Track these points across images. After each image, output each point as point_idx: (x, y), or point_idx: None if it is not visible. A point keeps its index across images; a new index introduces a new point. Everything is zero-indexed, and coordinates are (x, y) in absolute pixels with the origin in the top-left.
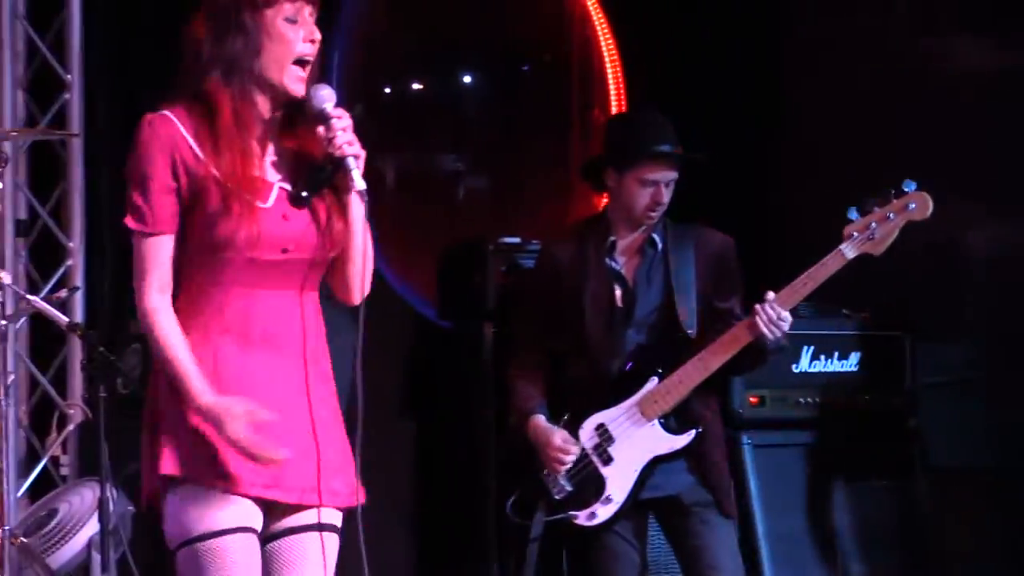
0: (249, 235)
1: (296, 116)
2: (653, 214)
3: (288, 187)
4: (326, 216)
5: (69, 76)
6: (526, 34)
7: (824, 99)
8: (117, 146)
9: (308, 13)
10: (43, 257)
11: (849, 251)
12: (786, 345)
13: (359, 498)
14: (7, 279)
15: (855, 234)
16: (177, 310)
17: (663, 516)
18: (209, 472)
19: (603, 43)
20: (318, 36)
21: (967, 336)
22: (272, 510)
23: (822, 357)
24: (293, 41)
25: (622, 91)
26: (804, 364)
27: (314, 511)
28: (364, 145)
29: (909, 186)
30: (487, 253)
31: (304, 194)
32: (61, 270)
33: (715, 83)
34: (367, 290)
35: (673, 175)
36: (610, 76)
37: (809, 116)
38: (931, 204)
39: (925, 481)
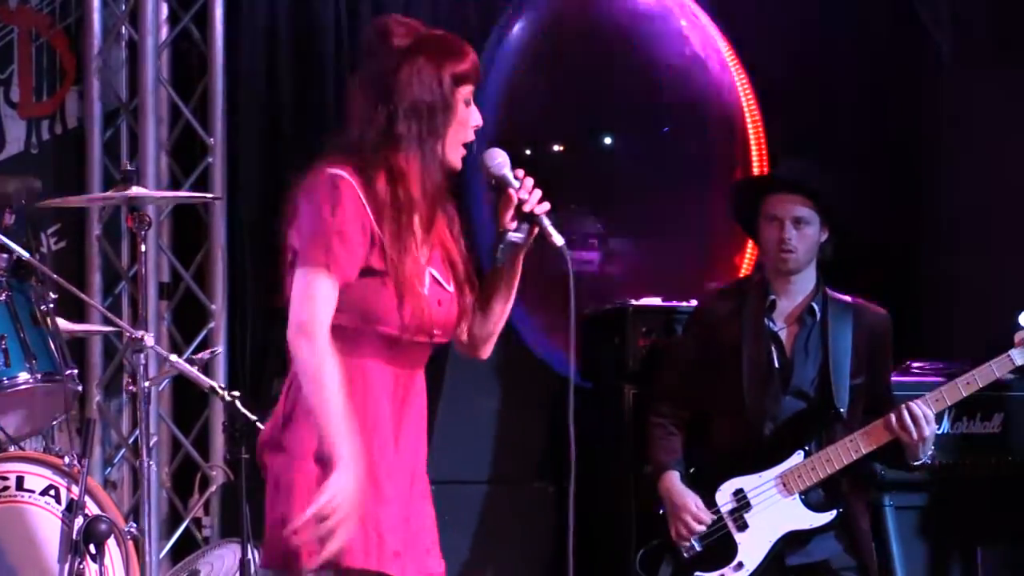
0: (413, 319)
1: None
2: (783, 255)
3: (433, 271)
4: (467, 305)
5: (212, 140)
6: (667, 95)
7: (971, 164)
8: (259, 209)
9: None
10: (185, 319)
11: (1019, 357)
12: (932, 464)
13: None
14: (150, 341)
15: None
16: None
17: None
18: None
19: (744, 101)
20: (480, 122)
21: None
22: None
23: (964, 418)
24: (467, 123)
25: (764, 151)
26: (946, 425)
27: None
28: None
29: None
30: (628, 314)
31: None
32: (203, 332)
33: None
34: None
35: (797, 211)
36: (751, 136)
37: (956, 181)
38: None
39: None
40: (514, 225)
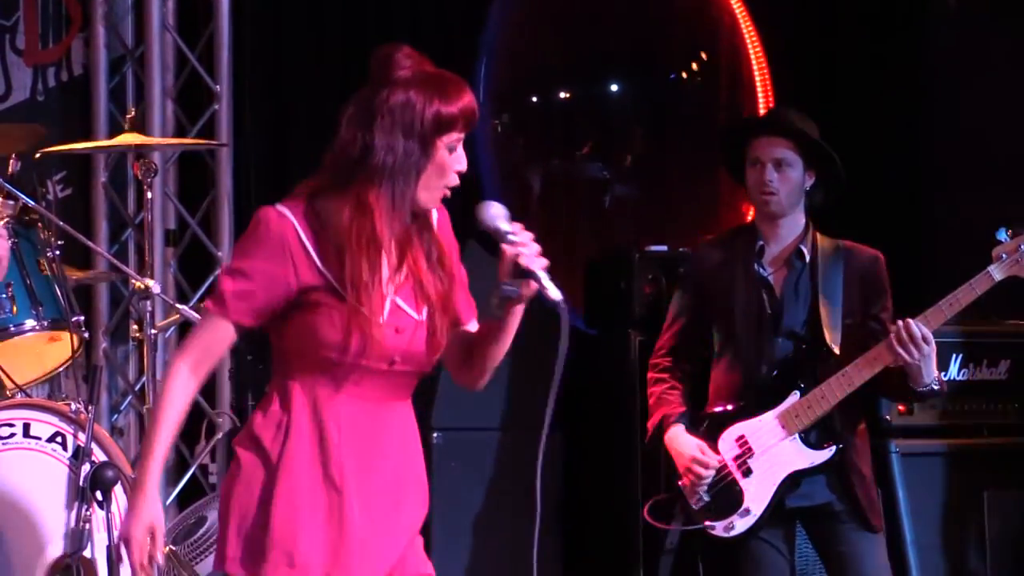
0: (358, 343)
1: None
2: (764, 197)
3: (399, 300)
4: (439, 333)
5: (218, 87)
6: (673, 42)
7: (974, 109)
8: (265, 156)
9: (460, 144)
10: (192, 267)
11: (997, 273)
12: (939, 390)
13: None
14: (156, 289)
15: (1004, 255)
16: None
17: (810, 524)
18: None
19: (751, 49)
20: (464, 167)
21: None
22: None
23: (971, 365)
24: (448, 169)
25: (770, 97)
26: (953, 372)
27: None
28: (512, 154)
29: None
30: (634, 261)
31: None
32: (209, 279)
33: (864, 96)
34: None
35: (779, 153)
36: (758, 82)
37: (958, 126)
38: None
39: None
40: (509, 279)
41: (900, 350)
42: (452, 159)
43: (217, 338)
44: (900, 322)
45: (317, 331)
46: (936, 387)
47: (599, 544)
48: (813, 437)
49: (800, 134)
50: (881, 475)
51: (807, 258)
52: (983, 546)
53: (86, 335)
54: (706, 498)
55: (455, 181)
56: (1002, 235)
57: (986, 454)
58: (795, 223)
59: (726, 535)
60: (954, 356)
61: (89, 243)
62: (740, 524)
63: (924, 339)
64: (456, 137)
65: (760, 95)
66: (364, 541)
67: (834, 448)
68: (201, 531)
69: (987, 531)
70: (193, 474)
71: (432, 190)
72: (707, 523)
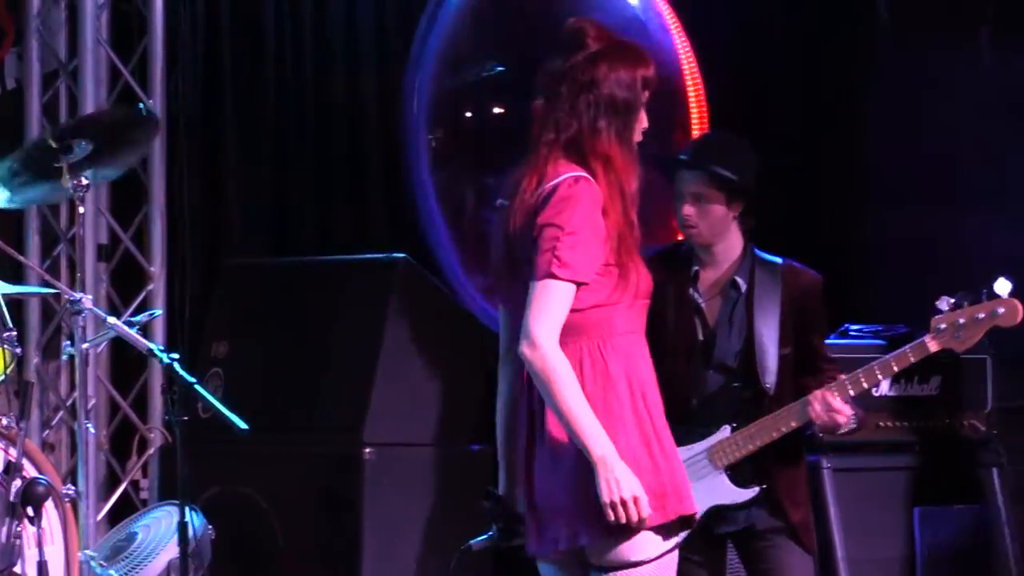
0: (648, 284)
1: None
2: (687, 230)
3: None
4: None
5: (151, 101)
6: None
7: (908, 122)
8: (199, 170)
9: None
10: (124, 281)
11: (932, 344)
12: (858, 428)
13: None
14: (88, 303)
15: (942, 326)
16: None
17: (740, 545)
18: None
19: (685, 63)
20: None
21: None
22: None
23: (903, 380)
24: (640, 127)
25: (704, 112)
26: (884, 387)
27: None
28: (447, 170)
29: (1002, 288)
30: None
31: None
32: (142, 294)
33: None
34: None
35: (696, 188)
36: (692, 97)
37: (893, 144)
38: (1021, 312)
39: (1006, 505)
40: None
41: (815, 419)
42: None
43: (568, 305)
44: (818, 393)
45: (622, 279)
46: (855, 426)
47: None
48: (741, 474)
49: (714, 173)
50: (813, 491)
51: (743, 288)
52: (914, 562)
53: (18, 350)
54: None
55: (640, 137)
56: (943, 304)
57: (917, 470)
58: (730, 247)
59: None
60: None
61: (20, 257)
62: None
63: (838, 410)
64: (647, 96)
65: (694, 110)
66: None
67: (757, 489)
68: (132, 547)
69: (918, 547)
70: (125, 490)
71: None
72: None
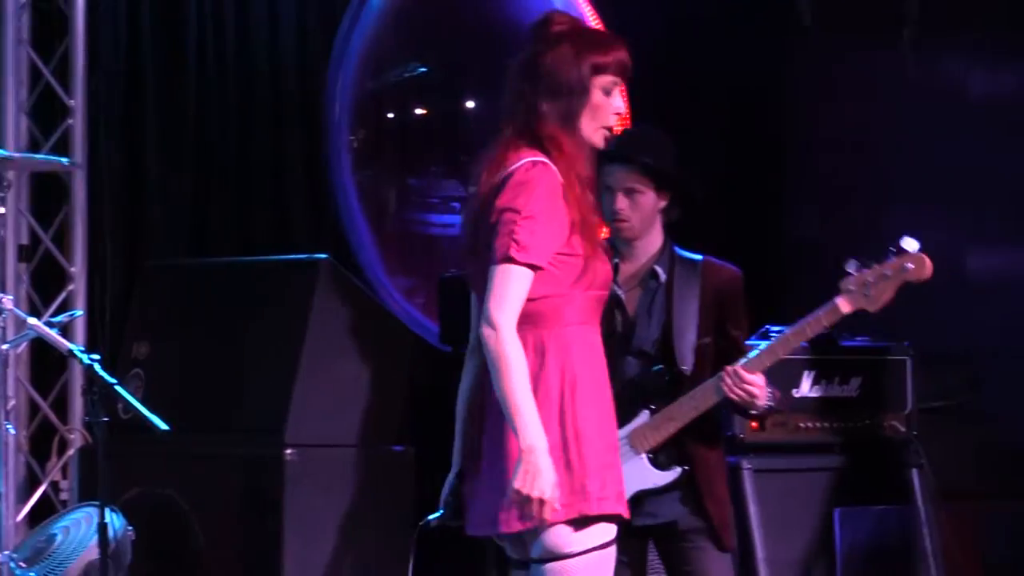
0: (606, 274)
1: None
2: (618, 224)
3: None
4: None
5: (72, 101)
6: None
7: (832, 129)
8: (120, 170)
9: (620, 91)
10: (45, 282)
11: (844, 306)
12: (775, 407)
13: None
14: (9, 304)
15: (851, 288)
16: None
17: (660, 542)
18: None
19: None
20: (624, 111)
21: (967, 359)
22: None
23: (822, 382)
24: (606, 109)
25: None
26: (805, 388)
27: None
28: (369, 170)
29: (909, 244)
30: None
31: None
32: (62, 295)
33: (723, 114)
34: None
35: (628, 182)
36: None
37: (817, 145)
38: (929, 266)
39: (926, 506)
40: None
41: (731, 395)
42: (607, 101)
43: (526, 290)
44: (729, 369)
45: (574, 267)
46: (772, 404)
47: (451, 559)
48: (661, 457)
49: (646, 165)
50: (733, 492)
51: (662, 278)
52: (834, 563)
53: None
54: None
55: (612, 122)
56: (851, 267)
57: (837, 471)
58: (650, 242)
59: None
60: (805, 373)
61: None
62: None
63: (746, 381)
64: (610, 80)
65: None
66: None
67: (679, 470)
68: (52, 548)
69: (838, 548)
70: (44, 491)
71: (594, 130)
72: None
